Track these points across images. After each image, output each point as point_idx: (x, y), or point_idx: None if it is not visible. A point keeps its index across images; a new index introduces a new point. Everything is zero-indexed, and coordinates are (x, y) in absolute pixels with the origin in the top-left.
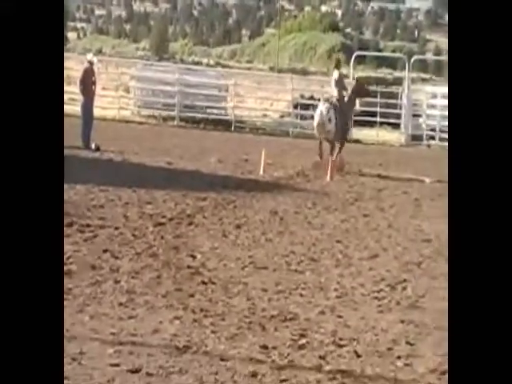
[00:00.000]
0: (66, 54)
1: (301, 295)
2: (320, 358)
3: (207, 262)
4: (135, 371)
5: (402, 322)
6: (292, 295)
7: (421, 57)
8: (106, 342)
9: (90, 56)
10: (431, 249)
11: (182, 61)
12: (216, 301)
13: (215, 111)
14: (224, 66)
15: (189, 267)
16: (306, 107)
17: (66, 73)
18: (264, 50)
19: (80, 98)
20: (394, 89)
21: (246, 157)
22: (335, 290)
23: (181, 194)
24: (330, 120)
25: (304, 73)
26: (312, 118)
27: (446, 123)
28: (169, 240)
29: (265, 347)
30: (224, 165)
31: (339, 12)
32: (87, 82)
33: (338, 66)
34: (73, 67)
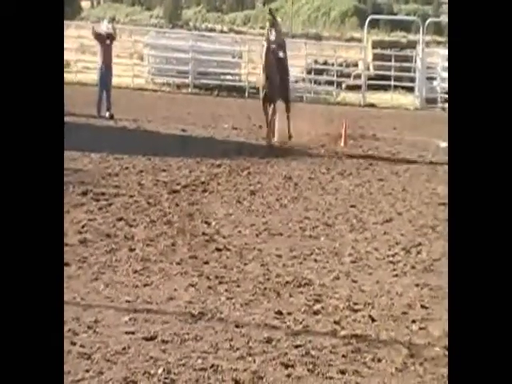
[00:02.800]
0: (79, 23)
1: (315, 261)
2: (335, 323)
3: (222, 228)
4: (150, 339)
5: (417, 285)
6: (306, 261)
7: (435, 19)
8: (121, 310)
9: (106, 23)
10: (447, 212)
11: (195, 28)
12: (231, 267)
13: (229, 78)
14: (237, 33)
15: (203, 234)
16: (319, 72)
17: (80, 41)
18: (277, 16)
19: (94, 66)
20: (408, 52)
21: (260, 123)
22: (350, 255)
23: (195, 161)
24: None
25: (317, 38)
26: (326, 83)
27: None
28: (183, 207)
29: (279, 313)
30: (238, 131)
31: None
32: (108, 51)
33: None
34: (87, 36)
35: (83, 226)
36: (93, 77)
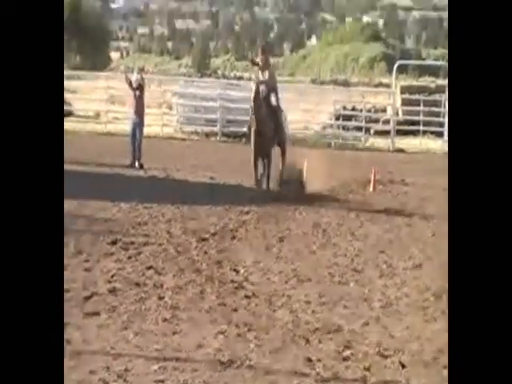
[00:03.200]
0: (109, 74)
1: (345, 307)
2: (365, 369)
3: (250, 275)
4: None
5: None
6: (336, 307)
7: None
8: (150, 359)
9: (136, 75)
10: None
11: (223, 76)
12: (260, 314)
13: None
14: None
15: (232, 281)
16: (348, 118)
17: (109, 92)
18: (305, 63)
19: (123, 116)
20: (437, 97)
21: (288, 170)
22: (379, 300)
23: (224, 209)
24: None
25: (346, 84)
26: (355, 129)
27: None
28: (212, 255)
29: (309, 360)
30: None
31: (381, 22)
32: (138, 101)
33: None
34: (117, 87)
35: (113, 276)
36: (122, 127)
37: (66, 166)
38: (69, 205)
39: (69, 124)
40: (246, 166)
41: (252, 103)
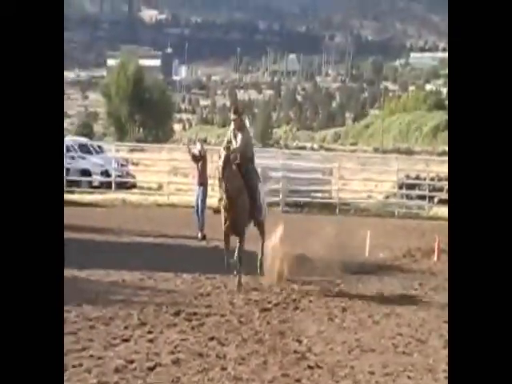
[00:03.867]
0: (172, 146)
1: (409, 377)
2: None
3: (313, 346)
4: None
5: None
6: (400, 377)
7: None
8: None
9: (198, 147)
10: None
11: (285, 146)
12: None
13: (319, 195)
14: (328, 150)
15: (295, 352)
16: (411, 187)
17: (172, 164)
18: (368, 132)
19: (186, 188)
20: None
21: (351, 239)
22: (444, 371)
23: (286, 279)
24: None
25: (409, 153)
26: (418, 198)
27: None
28: (275, 325)
29: None
30: (328, 248)
31: (444, 90)
32: (201, 172)
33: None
34: (178, 158)
35: (176, 346)
36: (185, 198)
37: (130, 238)
38: (132, 276)
39: (132, 196)
40: (310, 236)
41: (220, 172)
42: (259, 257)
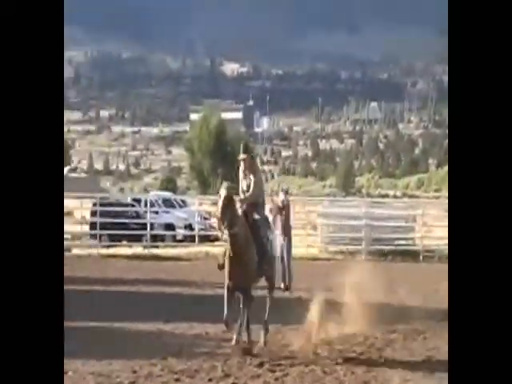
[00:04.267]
0: None
1: None
2: None
3: None
4: None
5: None
6: None
7: None
8: None
9: (282, 196)
10: None
11: (368, 194)
12: None
13: (403, 242)
14: (411, 197)
15: None
16: None
17: None
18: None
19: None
20: None
21: (436, 287)
22: None
23: (370, 328)
24: None
25: None
26: None
27: None
28: (359, 375)
29: None
30: (413, 296)
31: None
32: (285, 222)
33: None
34: None
35: None
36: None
37: (213, 291)
38: (216, 329)
39: (215, 249)
40: (393, 284)
41: (219, 219)
42: (265, 317)
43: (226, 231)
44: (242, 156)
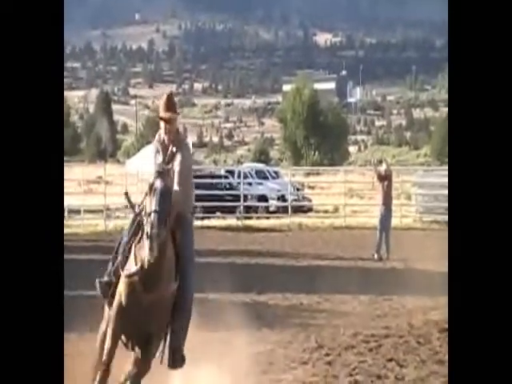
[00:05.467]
0: (347, 168)
1: None
2: None
3: None
4: None
5: None
6: None
7: None
8: None
9: (384, 166)
10: None
11: None
12: None
13: None
14: None
15: None
16: None
17: (348, 186)
18: None
19: (361, 209)
20: None
21: None
22: None
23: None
24: None
25: None
26: None
27: None
28: None
29: None
30: None
31: None
32: (386, 192)
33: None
34: (354, 180)
35: (354, 369)
36: (361, 220)
37: (307, 262)
38: (310, 300)
39: (309, 220)
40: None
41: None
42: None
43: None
44: (163, 114)
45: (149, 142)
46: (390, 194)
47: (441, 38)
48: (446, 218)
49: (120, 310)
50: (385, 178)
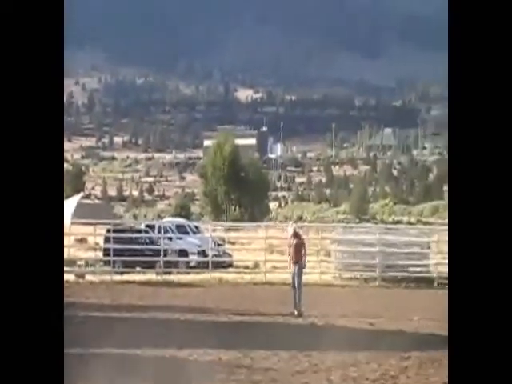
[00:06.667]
0: (267, 224)
1: None
2: None
3: None
4: None
5: None
6: None
7: None
8: None
9: (292, 225)
10: None
11: (382, 221)
12: None
13: (417, 269)
14: (425, 223)
15: None
16: None
17: (268, 242)
18: None
19: (282, 265)
20: None
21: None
22: None
23: (384, 355)
24: None
25: None
26: None
27: None
28: None
29: None
30: (427, 322)
31: None
32: (295, 251)
33: None
34: (274, 236)
35: None
36: (281, 276)
37: (227, 317)
38: (229, 355)
39: (229, 275)
40: (407, 311)
41: None
42: None
43: None
44: None
45: (67, 196)
46: (300, 253)
47: (360, 97)
48: (364, 274)
49: None
50: (295, 236)
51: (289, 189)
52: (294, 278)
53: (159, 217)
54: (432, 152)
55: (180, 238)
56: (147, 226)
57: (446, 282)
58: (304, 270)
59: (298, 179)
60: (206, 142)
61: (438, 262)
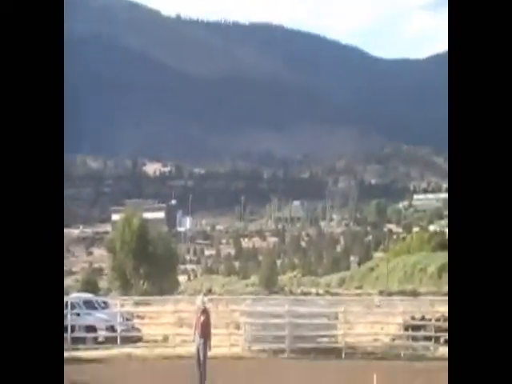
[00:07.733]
0: (176, 297)
1: None
2: None
3: None
4: None
5: None
6: None
7: None
8: None
9: (200, 299)
10: None
11: (291, 292)
12: None
13: (325, 340)
14: (333, 294)
15: None
16: (417, 328)
17: (177, 315)
18: (373, 275)
19: (192, 339)
20: None
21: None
22: None
23: None
24: None
25: (414, 294)
26: (424, 338)
27: None
28: None
29: None
30: None
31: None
32: (202, 327)
33: None
34: (184, 309)
35: None
36: (191, 349)
37: None
38: None
39: (138, 350)
40: (314, 382)
41: None
42: None
43: None
44: None
45: None
46: (206, 326)
47: (268, 170)
48: (273, 346)
49: None
50: (202, 310)
51: (198, 262)
52: (198, 353)
53: (66, 293)
54: (339, 223)
55: (88, 314)
56: None
57: (353, 351)
58: (213, 344)
59: (207, 252)
60: (114, 217)
61: (345, 333)
